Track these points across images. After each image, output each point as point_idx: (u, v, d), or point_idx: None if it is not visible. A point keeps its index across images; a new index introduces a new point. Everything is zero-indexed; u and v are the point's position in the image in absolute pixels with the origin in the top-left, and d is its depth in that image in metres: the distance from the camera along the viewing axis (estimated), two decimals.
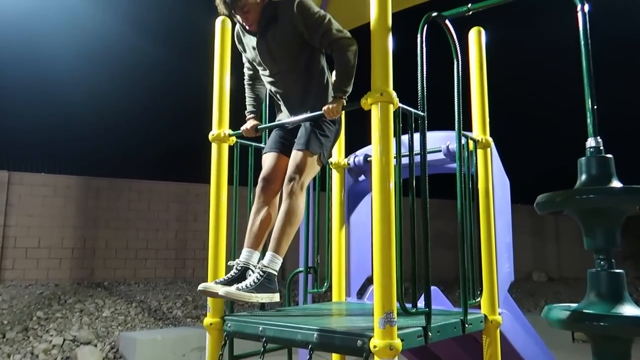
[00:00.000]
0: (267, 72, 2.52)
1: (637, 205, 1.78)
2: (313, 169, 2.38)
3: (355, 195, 3.33)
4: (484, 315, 2.45)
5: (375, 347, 1.75)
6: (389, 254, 1.80)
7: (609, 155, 1.83)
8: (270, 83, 2.55)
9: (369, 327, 1.84)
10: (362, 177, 3.37)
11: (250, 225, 2.42)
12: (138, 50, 11.25)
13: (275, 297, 2.18)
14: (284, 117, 2.56)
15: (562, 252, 13.04)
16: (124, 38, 11.05)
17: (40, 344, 5.74)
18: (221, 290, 2.11)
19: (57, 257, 7.84)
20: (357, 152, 3.29)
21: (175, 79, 11.63)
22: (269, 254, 2.24)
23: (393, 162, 1.89)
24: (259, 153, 2.85)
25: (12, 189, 7.68)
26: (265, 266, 2.19)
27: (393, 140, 1.92)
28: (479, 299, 2.45)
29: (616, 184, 1.79)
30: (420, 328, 2.00)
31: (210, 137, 2.58)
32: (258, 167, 2.82)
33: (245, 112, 2.70)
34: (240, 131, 2.60)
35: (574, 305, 1.82)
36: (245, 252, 2.35)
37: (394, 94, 1.91)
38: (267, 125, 2.61)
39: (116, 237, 8.29)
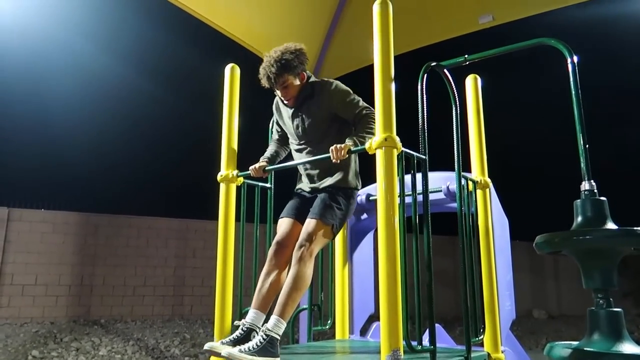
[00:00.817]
0: (296, 142, 2.70)
1: (632, 247, 1.86)
2: (324, 238, 2.44)
3: (357, 233, 3.40)
4: (487, 353, 2.49)
5: None
6: (395, 292, 1.86)
7: (603, 198, 1.93)
8: (297, 151, 2.71)
9: None
10: (364, 216, 3.45)
11: (260, 287, 2.46)
12: (139, 92, 11.50)
13: None
14: (304, 187, 2.71)
15: (562, 289, 13.01)
16: (125, 80, 11.31)
17: None
18: (224, 351, 2.14)
19: (54, 295, 7.79)
20: (359, 192, 3.38)
21: (175, 120, 11.85)
22: (273, 317, 2.27)
23: (397, 201, 1.98)
24: (264, 193, 2.95)
25: (11, 225, 7.70)
26: (270, 330, 2.21)
27: (397, 181, 2.01)
28: (482, 336, 2.49)
29: (611, 225, 1.88)
30: None
31: (218, 177, 2.67)
32: (264, 205, 2.91)
33: (261, 157, 2.79)
34: (248, 172, 2.69)
35: (575, 343, 1.88)
36: (251, 313, 2.39)
37: (397, 139, 2.01)
38: (275, 166, 2.70)
39: (114, 273, 8.25)
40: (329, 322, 3.09)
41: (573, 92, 2.03)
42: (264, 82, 2.57)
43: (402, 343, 1.84)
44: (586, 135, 2.00)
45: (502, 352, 2.55)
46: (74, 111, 10.83)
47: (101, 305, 8.06)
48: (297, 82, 2.57)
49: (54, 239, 7.96)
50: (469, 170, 2.77)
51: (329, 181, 2.59)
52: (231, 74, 2.80)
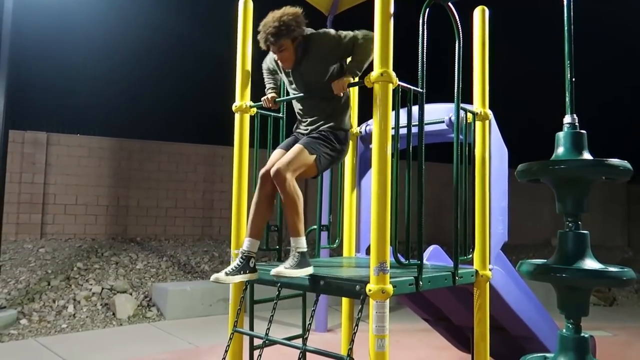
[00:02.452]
0: (296, 92, 2.81)
1: (603, 176, 2.01)
2: (304, 163, 2.55)
3: (365, 161, 3.61)
4: (475, 270, 2.75)
5: (370, 290, 2.08)
6: (384, 212, 2.10)
7: (583, 132, 2.05)
8: (297, 100, 2.83)
9: (367, 275, 2.17)
10: (372, 145, 3.63)
11: (251, 216, 2.62)
12: (169, 26, 11.58)
13: (310, 270, 2.44)
14: (301, 129, 2.84)
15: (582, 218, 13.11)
16: (156, 13, 11.37)
17: (81, 291, 6.32)
18: (273, 270, 2.40)
19: (93, 214, 8.40)
20: (369, 122, 3.54)
21: (201, 52, 11.92)
22: (293, 239, 2.50)
23: (391, 133, 2.17)
24: (277, 122, 3.15)
25: (50, 149, 8.19)
26: (297, 247, 2.46)
27: (392, 114, 2.19)
28: (471, 255, 2.74)
29: (587, 156, 2.02)
30: (412, 278, 2.32)
31: (233, 108, 2.88)
32: (276, 134, 3.13)
33: (266, 89, 2.96)
34: (261, 102, 2.89)
35: (542, 260, 2.09)
36: (247, 241, 2.57)
37: (394, 74, 2.16)
38: (285, 98, 2.89)
39: (147, 196, 8.79)
40: (337, 241, 3.39)
41: (565, 27, 2.10)
42: (262, 45, 2.65)
43: (389, 257, 2.10)
44: (573, 71, 2.09)
45: (490, 269, 2.80)
46: (107, 41, 11.03)
47: (136, 224, 8.68)
48: (294, 46, 2.63)
49: (91, 162, 8.45)
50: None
51: (323, 123, 2.71)
52: (244, 7, 2.92)
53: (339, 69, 2.68)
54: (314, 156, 2.58)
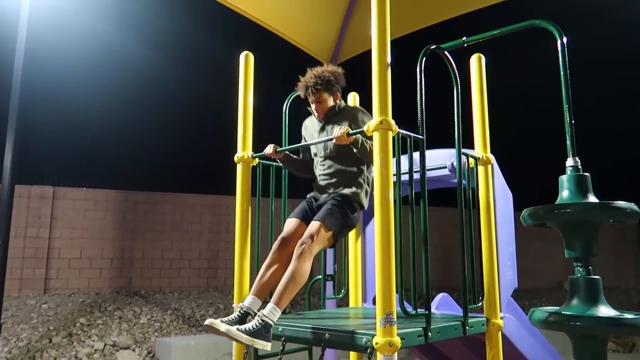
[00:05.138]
0: (319, 156, 2.93)
1: (611, 219, 1.96)
2: (324, 241, 2.61)
3: (370, 208, 3.57)
4: (486, 318, 2.65)
5: (377, 343, 2.00)
6: (389, 261, 2.05)
7: (587, 174, 2.03)
8: (319, 163, 2.94)
9: (374, 327, 2.09)
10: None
11: (260, 276, 2.66)
12: (171, 78, 11.93)
13: (268, 347, 2.32)
14: (316, 194, 2.92)
15: (594, 261, 12.86)
16: (155, 66, 11.73)
17: (83, 348, 6.16)
18: (223, 327, 2.33)
19: (98, 267, 8.33)
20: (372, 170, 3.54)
21: (203, 103, 12.22)
22: (270, 305, 2.42)
23: (392, 179, 2.15)
24: (279, 171, 3.16)
25: (56, 203, 8.23)
26: (265, 315, 2.36)
27: (393, 161, 2.18)
28: (480, 303, 2.65)
29: (592, 199, 1.99)
30: (421, 329, 2.24)
31: (235, 158, 2.89)
32: (278, 183, 3.12)
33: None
34: (263, 153, 2.90)
35: (555, 308, 2.02)
36: (249, 298, 2.59)
37: (393, 122, 2.17)
38: (287, 147, 2.90)
39: (152, 247, 8.74)
40: (343, 291, 3.31)
41: (562, 72, 2.12)
42: (301, 92, 2.89)
43: (394, 308, 2.03)
44: (572, 114, 2.10)
45: (502, 318, 2.70)
46: (111, 96, 11.33)
47: (141, 277, 8.58)
48: (331, 100, 2.87)
49: (96, 215, 8.46)
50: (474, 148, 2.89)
51: (339, 190, 2.79)
52: (245, 61, 2.99)
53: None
54: (332, 231, 2.63)
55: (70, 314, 7.03)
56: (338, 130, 2.50)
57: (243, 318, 2.49)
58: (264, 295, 2.62)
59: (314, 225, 2.62)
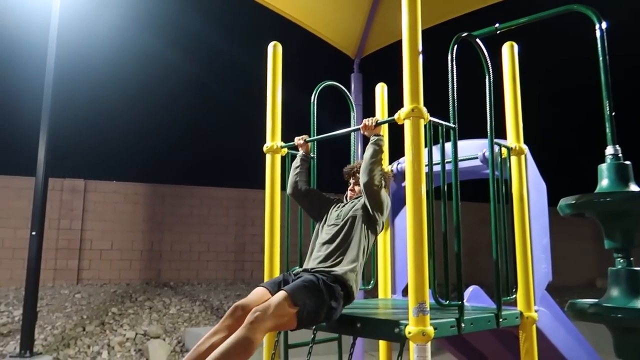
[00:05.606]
0: (325, 222, 2.78)
1: None
2: (281, 317, 2.15)
3: (399, 199, 3.54)
4: (520, 311, 2.60)
5: (409, 333, 1.98)
6: (422, 250, 2.02)
7: (628, 162, 1.96)
8: (322, 229, 2.76)
9: (406, 317, 2.07)
10: (404, 183, 3.58)
11: (200, 343, 2.20)
12: (200, 73, 12.12)
13: None
14: (310, 262, 2.60)
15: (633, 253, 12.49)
16: (188, 63, 11.94)
17: (115, 337, 6.31)
18: None
19: (128, 259, 8.51)
20: (400, 160, 3.51)
21: (236, 97, 12.34)
22: None
23: (424, 170, 2.12)
24: (310, 162, 3.15)
25: (88, 196, 8.43)
26: None
27: (425, 151, 2.15)
28: (514, 296, 2.60)
29: (634, 188, 1.92)
30: (454, 319, 2.21)
31: (264, 149, 2.90)
32: (309, 173, 3.12)
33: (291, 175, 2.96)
34: (292, 143, 2.91)
35: (594, 300, 1.96)
36: None
37: (424, 109, 2.14)
38: (316, 137, 2.90)
39: (180, 240, 8.88)
40: (372, 282, 3.30)
41: (600, 59, 2.05)
42: (347, 172, 2.89)
43: (427, 297, 2.01)
44: (612, 102, 2.03)
45: (536, 311, 2.65)
46: (142, 95, 11.59)
47: (170, 269, 8.73)
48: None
49: (126, 208, 8.64)
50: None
51: (330, 269, 2.44)
52: (274, 51, 2.99)
53: (362, 230, 2.60)
54: (296, 310, 2.18)
55: (103, 303, 7.20)
56: (367, 119, 2.49)
57: None
58: None
59: (279, 294, 2.20)
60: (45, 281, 7.42)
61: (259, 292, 2.38)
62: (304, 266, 2.61)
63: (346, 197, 2.90)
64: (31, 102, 6.14)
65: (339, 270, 2.41)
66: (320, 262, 2.52)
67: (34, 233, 5.69)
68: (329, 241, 2.60)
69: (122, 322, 6.70)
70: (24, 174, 7.68)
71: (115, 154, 11.20)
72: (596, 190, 2.02)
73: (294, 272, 2.57)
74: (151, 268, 8.62)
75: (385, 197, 2.64)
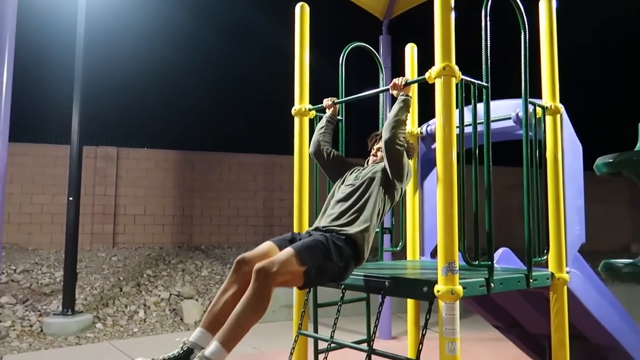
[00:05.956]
0: (343, 183, 2.76)
1: None
2: (289, 273, 2.13)
3: (428, 162, 3.51)
4: (551, 272, 2.58)
5: (438, 291, 2.00)
6: (451, 209, 2.01)
7: None
8: (340, 189, 2.72)
9: (435, 276, 2.08)
10: (434, 145, 3.53)
11: (212, 304, 2.20)
12: (227, 40, 12.11)
13: None
14: (322, 220, 2.57)
15: None
16: (214, 29, 11.92)
17: (151, 297, 6.57)
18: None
19: (161, 224, 8.75)
20: (430, 122, 3.45)
21: (262, 64, 12.30)
22: (215, 343, 1.97)
23: (456, 131, 2.08)
24: (336, 124, 3.14)
25: (120, 163, 8.63)
26: (207, 358, 1.94)
27: (456, 111, 2.11)
28: (545, 257, 2.58)
29: None
30: (483, 279, 2.21)
31: (292, 111, 2.89)
32: (336, 136, 3.11)
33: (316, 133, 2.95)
34: (320, 105, 2.89)
35: (629, 260, 1.92)
36: (197, 331, 2.13)
37: (456, 67, 2.08)
38: (344, 99, 2.87)
39: (210, 205, 9.05)
40: (400, 244, 3.31)
41: None
42: (371, 138, 2.85)
43: (457, 256, 2.01)
44: None
45: (568, 272, 2.62)
46: (170, 63, 11.67)
47: (201, 233, 8.95)
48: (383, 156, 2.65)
49: (157, 174, 8.82)
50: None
51: (342, 229, 2.39)
52: (301, 12, 2.94)
53: (379, 191, 2.57)
54: (304, 268, 2.15)
55: (138, 266, 7.47)
56: (397, 79, 2.44)
57: (186, 355, 2.04)
58: (217, 327, 2.08)
59: (285, 251, 2.17)
60: (83, 245, 7.71)
61: (265, 246, 2.34)
62: (316, 224, 2.57)
63: (367, 162, 2.88)
64: (66, 72, 6.23)
65: (350, 230, 2.38)
66: (333, 220, 2.48)
67: (70, 199, 5.89)
68: (344, 199, 2.56)
69: (156, 283, 6.95)
70: (60, 143, 7.90)
71: (145, 122, 11.38)
72: (636, 148, 1.96)
73: (305, 232, 2.56)
74: (183, 232, 8.85)
75: (407, 165, 2.59)
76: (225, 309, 2.14)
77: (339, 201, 2.59)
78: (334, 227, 2.41)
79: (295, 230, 2.86)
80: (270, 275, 2.05)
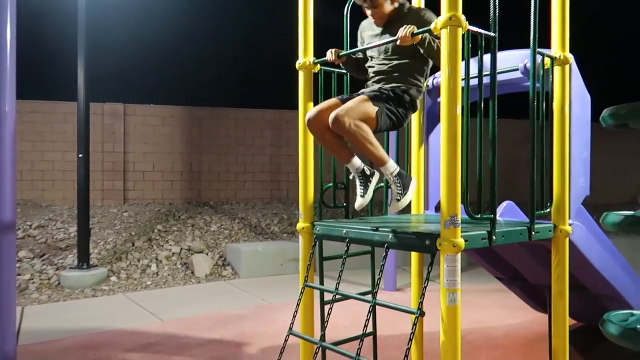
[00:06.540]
0: (375, 57, 2.80)
1: None
2: (366, 110, 2.47)
3: (433, 116, 3.47)
4: (553, 224, 2.60)
5: (440, 244, 2.03)
6: (455, 163, 2.01)
7: None
8: (375, 64, 2.80)
9: (438, 229, 2.11)
10: (439, 98, 3.48)
11: (336, 155, 2.72)
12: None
13: (414, 182, 2.63)
14: (366, 90, 2.77)
15: None
16: None
17: (162, 251, 6.73)
18: (390, 210, 2.63)
19: (169, 180, 8.85)
20: (436, 74, 3.39)
21: (266, 18, 12.01)
22: (381, 168, 2.58)
23: (461, 84, 2.05)
24: (341, 78, 3.10)
25: (128, 119, 8.65)
26: (392, 173, 2.57)
27: (462, 63, 2.07)
28: (548, 209, 2.59)
29: None
30: (485, 232, 2.24)
31: (297, 65, 2.85)
32: (341, 90, 3.08)
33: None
34: (325, 59, 2.84)
35: (631, 212, 1.93)
36: (350, 165, 2.64)
37: (463, 17, 2.03)
38: (349, 51, 2.82)
39: (218, 161, 9.11)
40: None
41: None
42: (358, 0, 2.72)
43: (459, 210, 2.03)
44: None
45: (570, 225, 2.64)
46: (174, 19, 11.43)
47: (209, 189, 9.05)
48: (388, 4, 2.66)
49: (164, 130, 8.85)
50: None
51: (390, 82, 2.68)
52: None
53: (420, 56, 2.63)
54: (377, 109, 2.49)
55: (149, 221, 7.62)
56: (402, 30, 2.39)
57: (364, 174, 2.63)
58: (350, 155, 2.63)
59: (357, 97, 2.52)
60: (94, 201, 7.85)
61: (330, 100, 2.66)
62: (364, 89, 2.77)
63: (373, 20, 2.76)
64: (71, 29, 6.14)
65: (403, 87, 2.65)
66: (384, 82, 2.70)
67: (80, 155, 5.95)
68: (387, 72, 2.71)
69: (167, 238, 7.11)
70: (68, 100, 7.90)
71: (151, 78, 11.30)
72: None
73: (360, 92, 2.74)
74: (191, 188, 8.96)
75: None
76: (338, 146, 2.61)
77: (377, 74, 2.76)
78: (386, 86, 2.67)
79: (300, 189, 2.88)
80: (345, 116, 2.38)
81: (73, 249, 6.31)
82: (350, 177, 2.74)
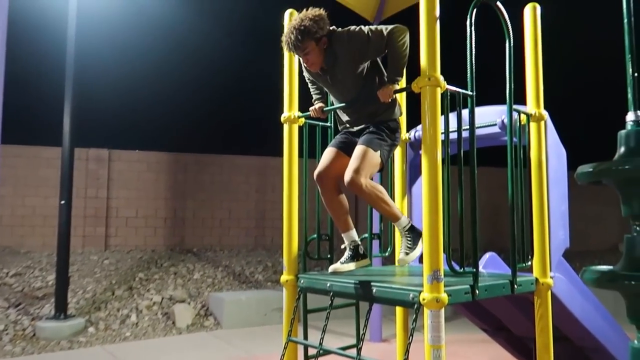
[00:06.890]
0: (335, 94, 2.87)
1: None
2: (373, 161, 2.61)
3: (416, 167, 3.55)
4: (535, 278, 2.63)
5: (424, 299, 2.04)
6: (436, 219, 2.05)
7: None
8: (335, 97, 2.90)
9: (421, 284, 2.12)
10: (421, 150, 3.57)
11: (333, 216, 2.84)
12: (218, 43, 12.11)
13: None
14: (351, 129, 2.88)
15: None
16: (205, 33, 11.89)
17: (143, 301, 6.57)
18: (399, 260, 2.69)
19: (153, 226, 8.74)
20: (418, 127, 3.49)
21: (255, 66, 12.31)
22: (395, 224, 2.74)
23: (441, 138, 2.12)
24: (325, 131, 3.17)
25: (112, 165, 8.62)
26: (404, 228, 2.69)
27: (441, 119, 2.15)
28: (530, 262, 2.62)
29: None
30: (468, 286, 2.25)
31: (282, 119, 2.92)
32: (325, 143, 3.14)
33: (313, 100, 3.01)
34: (309, 113, 2.92)
35: (608, 267, 1.97)
36: (346, 236, 2.79)
37: (441, 78, 2.12)
38: (332, 107, 2.90)
39: (202, 207, 9.06)
40: (389, 249, 3.35)
41: (625, 20, 1.99)
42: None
43: (442, 265, 2.05)
44: (635, 65, 1.98)
45: (552, 277, 2.67)
46: (160, 65, 11.63)
47: (193, 235, 8.95)
48: (318, 48, 2.58)
49: (149, 176, 8.81)
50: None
51: (373, 120, 2.75)
52: (289, 19, 2.96)
53: (374, 64, 2.72)
54: (378, 152, 2.63)
55: (130, 269, 7.46)
56: (382, 95, 2.50)
57: (356, 250, 2.76)
58: (350, 225, 2.81)
59: (359, 148, 2.62)
60: (75, 247, 7.69)
61: (329, 153, 2.81)
62: (347, 127, 2.89)
63: (311, 72, 2.83)
64: (57, 74, 6.22)
65: (384, 116, 2.74)
66: (365, 119, 2.78)
67: (62, 202, 5.89)
68: (362, 108, 2.78)
69: (148, 286, 6.95)
70: (52, 145, 7.87)
71: (136, 124, 11.36)
72: (615, 158, 2.01)
73: (346, 131, 2.88)
74: (175, 235, 8.85)
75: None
76: (341, 212, 2.79)
77: (354, 112, 2.84)
78: (371, 123, 2.75)
79: (285, 236, 2.88)
80: (360, 178, 2.52)
81: (50, 298, 6.13)
82: (342, 247, 2.84)
